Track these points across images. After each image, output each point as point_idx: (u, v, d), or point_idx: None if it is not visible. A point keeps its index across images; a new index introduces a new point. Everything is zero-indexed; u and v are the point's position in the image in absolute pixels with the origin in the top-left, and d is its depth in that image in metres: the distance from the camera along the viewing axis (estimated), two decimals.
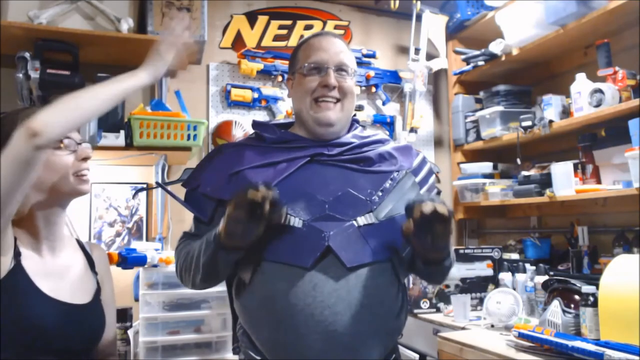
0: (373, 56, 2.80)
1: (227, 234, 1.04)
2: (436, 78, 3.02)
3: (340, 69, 1.21)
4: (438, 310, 2.33)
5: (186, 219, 2.23)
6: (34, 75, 1.92)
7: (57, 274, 1.15)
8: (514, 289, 2.16)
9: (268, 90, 2.59)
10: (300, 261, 1.06)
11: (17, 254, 1.08)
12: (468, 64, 2.78)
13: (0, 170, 0.96)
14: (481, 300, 2.24)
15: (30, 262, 1.10)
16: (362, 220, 1.11)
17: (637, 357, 1.39)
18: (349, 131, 1.28)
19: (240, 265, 1.13)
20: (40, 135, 0.96)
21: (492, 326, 2.00)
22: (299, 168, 1.17)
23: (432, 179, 1.30)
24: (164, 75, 1.14)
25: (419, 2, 2.75)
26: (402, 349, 1.22)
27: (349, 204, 1.12)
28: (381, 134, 1.33)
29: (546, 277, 1.98)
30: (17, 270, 1.06)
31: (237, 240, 1.04)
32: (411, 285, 2.33)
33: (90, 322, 1.18)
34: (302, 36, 2.70)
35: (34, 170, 1.00)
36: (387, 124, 2.82)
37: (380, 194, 1.15)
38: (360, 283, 1.06)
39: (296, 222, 1.09)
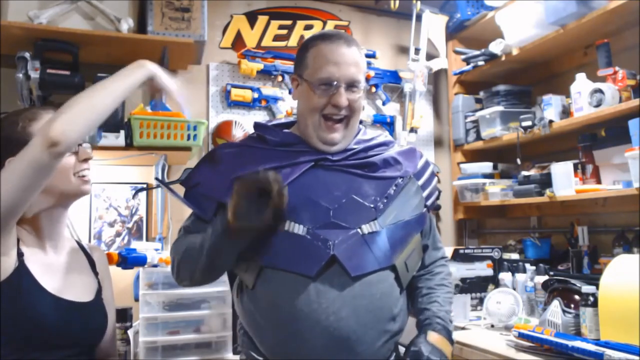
0: (373, 56, 2.80)
1: (235, 213, 1.01)
2: (436, 78, 3.02)
3: (352, 85, 1.16)
4: None
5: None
6: (34, 75, 1.92)
7: (60, 272, 1.16)
8: (514, 289, 2.16)
9: (268, 90, 2.59)
10: (305, 270, 1.05)
11: (19, 254, 1.08)
12: (468, 64, 2.78)
13: (16, 174, 0.97)
14: (481, 300, 2.24)
15: (34, 260, 1.11)
16: (366, 228, 1.10)
17: (637, 357, 1.39)
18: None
19: (243, 270, 1.13)
20: (59, 144, 0.96)
21: (492, 326, 2.00)
22: (303, 173, 1.15)
23: (435, 181, 1.30)
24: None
25: (419, 2, 2.75)
26: (402, 349, 1.22)
27: (353, 211, 1.11)
28: (384, 135, 1.32)
29: (546, 277, 1.98)
30: (21, 269, 1.07)
31: (244, 221, 1.01)
32: None
33: (93, 320, 1.18)
34: (302, 36, 2.70)
35: (49, 176, 1.01)
36: (387, 124, 2.82)
37: (385, 200, 1.14)
38: (365, 290, 1.06)
39: (300, 229, 1.08)
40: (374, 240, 1.10)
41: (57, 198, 1.15)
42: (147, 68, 1.11)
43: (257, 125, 1.28)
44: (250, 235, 1.06)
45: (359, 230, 1.10)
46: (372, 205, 1.13)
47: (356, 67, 1.17)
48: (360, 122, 1.31)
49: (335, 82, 1.15)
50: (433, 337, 1.13)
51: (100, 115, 1.04)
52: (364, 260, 1.08)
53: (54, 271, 1.14)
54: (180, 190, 1.28)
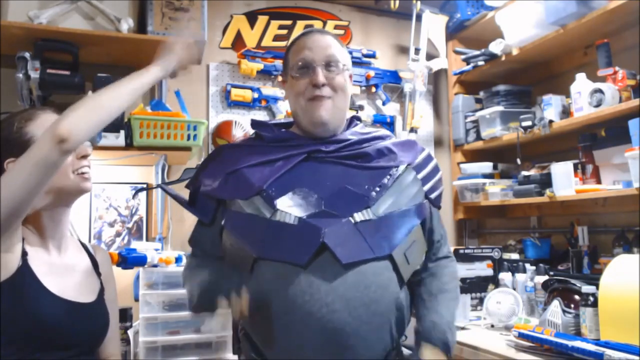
0: (373, 56, 2.80)
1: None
2: (436, 78, 3.02)
3: (329, 64, 1.20)
4: None
5: (186, 219, 2.23)
6: (34, 75, 1.92)
7: (63, 272, 1.16)
8: (514, 289, 2.16)
9: (268, 90, 2.59)
10: (296, 259, 1.05)
11: (23, 253, 1.08)
12: (468, 64, 2.78)
13: (22, 172, 0.97)
14: (481, 300, 2.24)
15: (37, 260, 1.11)
16: (359, 217, 1.09)
17: (637, 357, 1.39)
18: (347, 128, 1.28)
19: (237, 263, 1.13)
20: (68, 141, 0.97)
21: (492, 326, 2.00)
22: (296, 165, 1.16)
23: (439, 175, 1.28)
24: (174, 70, 1.20)
25: (419, 2, 2.75)
26: (405, 352, 1.21)
27: (345, 200, 1.11)
28: (382, 130, 1.32)
29: (546, 277, 1.98)
30: (24, 269, 1.07)
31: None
32: None
33: (94, 321, 1.18)
34: None
35: (55, 173, 1.02)
36: (387, 124, 2.82)
37: (378, 189, 1.13)
38: (358, 280, 1.04)
39: (291, 218, 1.08)
40: (367, 228, 1.08)
41: (58, 196, 1.15)
42: (154, 73, 1.14)
43: (253, 123, 1.30)
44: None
45: (350, 218, 1.09)
46: (365, 194, 1.12)
47: (332, 49, 1.22)
48: (359, 118, 1.33)
49: (312, 64, 1.19)
50: (428, 353, 1.11)
51: (108, 115, 1.07)
52: (356, 248, 1.06)
53: (56, 271, 1.14)
54: (182, 191, 1.28)
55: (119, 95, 1.08)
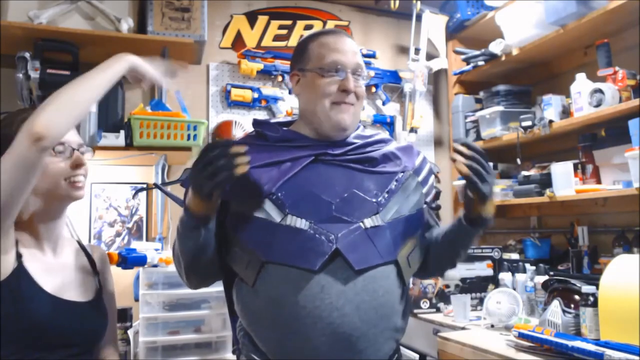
0: (373, 56, 2.80)
1: (195, 188, 1.03)
2: (436, 78, 3.02)
3: (355, 71, 1.20)
4: (438, 310, 2.33)
5: None
6: (34, 75, 1.92)
7: (59, 272, 1.16)
8: (514, 289, 2.16)
9: (268, 90, 2.59)
10: (308, 264, 1.04)
11: (18, 255, 1.08)
12: (468, 64, 2.79)
13: (3, 174, 0.96)
14: (481, 300, 2.24)
15: (32, 261, 1.10)
16: (368, 222, 1.10)
17: (637, 357, 1.39)
18: None
19: (243, 267, 1.13)
20: (44, 138, 0.96)
21: (492, 326, 2.00)
22: (304, 168, 1.15)
23: (432, 178, 1.30)
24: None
25: (419, 2, 2.75)
26: (402, 349, 1.22)
27: (355, 206, 1.11)
28: (382, 133, 1.32)
29: (546, 277, 1.98)
30: (20, 270, 1.07)
31: (207, 186, 1.01)
32: (411, 286, 2.33)
33: (92, 320, 1.18)
34: (301, 36, 2.70)
35: (38, 172, 1.01)
36: (387, 124, 2.82)
37: (386, 195, 1.14)
38: (368, 285, 1.06)
39: (302, 223, 1.08)
40: (377, 234, 1.09)
41: (48, 201, 1.14)
42: (126, 59, 1.12)
43: (256, 122, 1.28)
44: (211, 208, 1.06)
45: (361, 224, 1.09)
46: (373, 200, 1.13)
47: (358, 56, 1.22)
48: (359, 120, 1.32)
49: (343, 68, 1.18)
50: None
51: (82, 109, 1.05)
52: (368, 254, 1.07)
53: (52, 272, 1.14)
54: (179, 190, 1.28)
55: (93, 87, 1.06)
